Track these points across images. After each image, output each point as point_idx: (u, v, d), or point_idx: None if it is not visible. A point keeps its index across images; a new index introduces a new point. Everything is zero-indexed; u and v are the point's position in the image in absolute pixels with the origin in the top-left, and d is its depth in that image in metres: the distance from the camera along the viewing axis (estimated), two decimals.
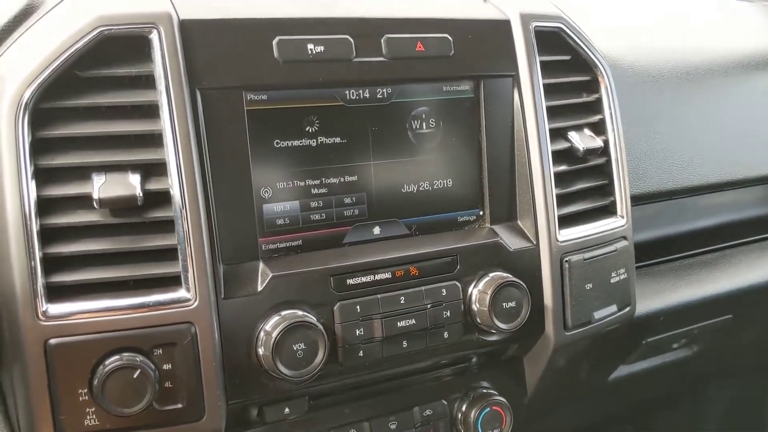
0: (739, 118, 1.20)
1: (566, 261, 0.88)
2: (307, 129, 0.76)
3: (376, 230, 0.81)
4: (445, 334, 0.81)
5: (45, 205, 0.66)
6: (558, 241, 0.87)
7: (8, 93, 0.65)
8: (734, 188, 1.18)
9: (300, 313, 0.72)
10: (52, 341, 0.65)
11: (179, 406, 0.68)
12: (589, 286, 0.90)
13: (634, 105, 1.09)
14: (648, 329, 1.13)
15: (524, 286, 0.82)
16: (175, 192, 0.68)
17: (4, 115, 0.65)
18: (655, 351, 1.24)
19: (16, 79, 0.65)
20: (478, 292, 0.82)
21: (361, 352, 0.76)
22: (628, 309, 0.97)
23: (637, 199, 1.06)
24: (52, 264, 0.66)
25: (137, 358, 0.65)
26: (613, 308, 0.94)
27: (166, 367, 0.67)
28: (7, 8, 0.73)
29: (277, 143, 0.75)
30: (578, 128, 0.94)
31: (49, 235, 0.66)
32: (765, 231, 1.30)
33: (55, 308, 0.65)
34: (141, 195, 0.67)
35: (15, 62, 0.68)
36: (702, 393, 1.44)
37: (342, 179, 0.79)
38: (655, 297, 1.13)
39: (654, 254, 1.19)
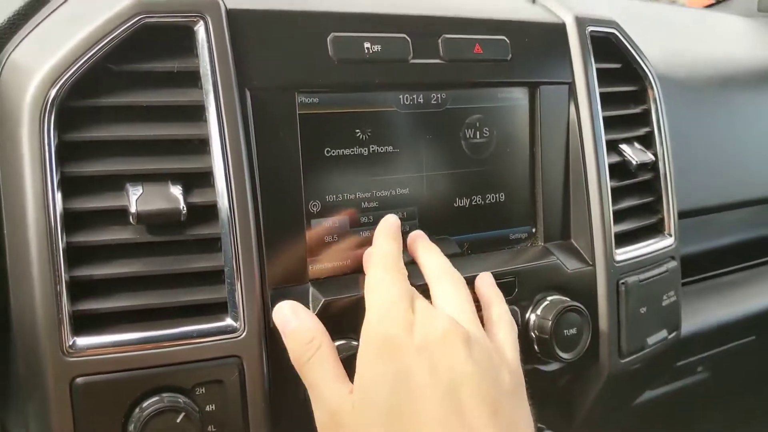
0: None
1: (622, 283, 0.82)
2: (358, 136, 0.69)
3: None
4: None
5: (72, 220, 0.56)
6: (615, 261, 0.81)
7: (31, 89, 0.55)
8: None
9: (355, 343, 0.64)
10: (80, 380, 0.55)
11: None
12: (643, 309, 0.84)
13: (670, 116, 1.04)
14: (679, 352, 1.08)
15: (585, 311, 0.76)
16: (223, 206, 0.59)
17: (27, 115, 0.55)
18: (680, 375, 1.19)
19: (40, 73, 0.56)
20: (537, 317, 0.75)
21: None
22: (675, 333, 0.91)
23: (679, 216, 1.01)
24: (80, 289, 0.56)
25: (180, 399, 0.56)
26: (664, 333, 0.88)
27: (210, 408, 0.58)
28: None
29: (328, 152, 0.67)
30: (628, 141, 0.88)
31: (76, 255, 0.56)
32: None
33: (84, 341, 0.55)
34: (185, 209, 0.58)
35: (36, 53, 0.58)
36: (719, 416, 1.40)
37: (393, 192, 0.71)
38: (687, 319, 1.07)
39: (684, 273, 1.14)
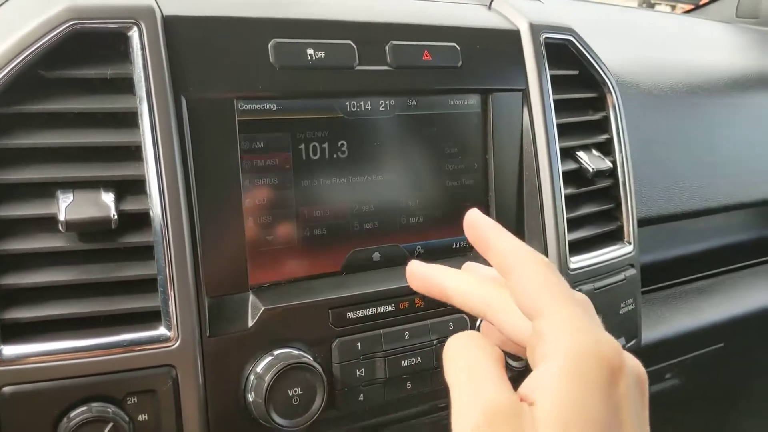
0: (738, 138, 1.16)
1: (577, 291, 0.81)
2: (303, 143, 0.68)
3: (376, 256, 0.73)
4: None
5: (0, 227, 0.55)
6: (569, 269, 0.80)
7: None
8: (733, 211, 1.14)
9: (295, 352, 0.64)
10: (6, 389, 0.54)
11: None
12: (599, 317, 0.83)
13: (633, 124, 1.03)
14: (645, 360, 1.08)
15: None
16: (156, 214, 0.58)
17: None
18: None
19: None
20: (487, 325, 0.74)
21: (362, 395, 0.67)
22: (634, 341, 0.91)
23: (639, 224, 1.00)
24: (7, 297, 0.55)
25: (109, 409, 0.56)
26: (622, 341, 0.88)
27: (142, 418, 0.58)
28: None
29: (270, 158, 0.66)
30: (586, 148, 0.88)
31: (4, 263, 0.55)
32: (756, 255, 1.26)
33: (10, 350, 0.55)
34: (115, 217, 0.57)
35: None
36: (688, 422, 1.40)
37: (340, 199, 0.70)
38: (652, 327, 1.07)
39: (648, 281, 1.13)
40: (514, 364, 0.73)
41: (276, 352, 0.63)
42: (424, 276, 0.53)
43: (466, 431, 0.41)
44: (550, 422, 0.40)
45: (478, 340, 0.47)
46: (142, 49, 0.59)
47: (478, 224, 0.51)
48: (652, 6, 2.95)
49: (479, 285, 0.51)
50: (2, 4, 0.62)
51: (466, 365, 0.45)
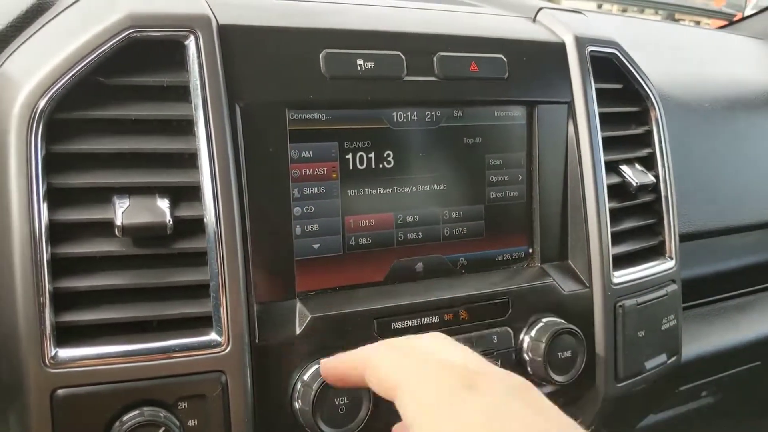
0: None
1: (620, 306, 0.80)
2: (350, 153, 0.68)
3: (419, 267, 0.73)
4: None
5: (58, 232, 0.56)
6: (612, 284, 0.80)
7: (19, 101, 0.56)
8: None
9: None
10: (61, 392, 0.55)
11: None
12: (641, 333, 0.83)
13: (673, 138, 1.03)
14: (682, 377, 1.06)
15: (580, 333, 0.75)
16: (210, 220, 0.59)
17: (14, 127, 0.55)
18: (683, 399, 1.17)
19: (29, 84, 0.56)
20: (531, 339, 0.74)
21: None
22: (675, 358, 0.90)
23: (680, 239, 0.99)
24: (63, 300, 0.56)
25: (161, 414, 0.56)
26: (663, 357, 0.87)
27: (192, 423, 0.58)
28: (16, 1, 0.63)
29: (319, 167, 0.67)
30: (629, 162, 0.87)
31: (61, 267, 0.56)
32: None
33: (66, 353, 0.55)
34: (171, 222, 0.57)
35: (27, 65, 0.59)
36: None
37: (384, 209, 0.71)
38: (689, 343, 1.06)
39: (685, 297, 1.12)
40: (558, 378, 0.73)
41: (323, 361, 0.63)
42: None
43: (436, 394, 0.44)
44: None
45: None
46: (199, 57, 0.59)
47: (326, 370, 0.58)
48: (676, 22, 2.93)
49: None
50: (63, 10, 0.63)
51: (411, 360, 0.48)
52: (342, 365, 0.55)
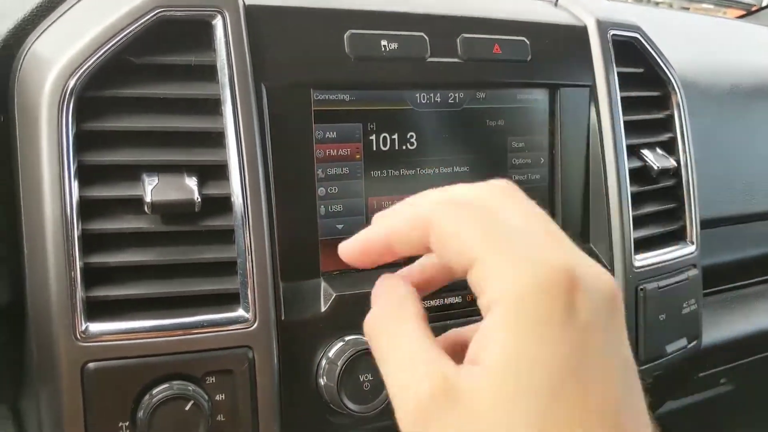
0: None
1: (641, 289, 0.80)
2: (373, 135, 0.69)
3: None
4: None
5: (88, 208, 0.57)
6: (634, 267, 0.80)
7: (50, 79, 0.56)
8: None
9: (365, 338, 0.64)
10: (91, 365, 0.56)
11: None
12: (662, 317, 0.83)
13: (694, 124, 1.02)
14: (701, 363, 1.06)
15: None
16: (237, 198, 0.60)
17: (46, 105, 0.56)
18: (702, 386, 1.16)
19: (60, 63, 0.57)
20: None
21: None
22: (695, 342, 0.90)
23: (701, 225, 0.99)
24: (94, 276, 0.57)
25: (189, 387, 0.57)
26: (684, 341, 0.87)
27: (219, 397, 0.59)
28: None
29: (343, 148, 0.67)
30: (650, 146, 0.87)
31: (91, 243, 0.57)
32: None
33: (96, 327, 0.56)
34: (199, 200, 0.58)
35: (58, 43, 0.59)
36: (742, 427, 1.37)
37: (407, 191, 0.71)
38: (709, 330, 1.06)
39: (705, 283, 1.12)
40: None
41: (347, 338, 0.64)
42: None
43: (409, 425, 0.37)
44: (494, 385, 0.35)
45: (397, 308, 0.43)
46: (226, 37, 0.60)
47: (359, 242, 0.48)
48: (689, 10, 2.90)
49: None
50: None
51: (391, 346, 0.41)
52: (399, 223, 0.44)
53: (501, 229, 0.39)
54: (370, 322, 0.43)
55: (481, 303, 0.38)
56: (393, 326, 0.42)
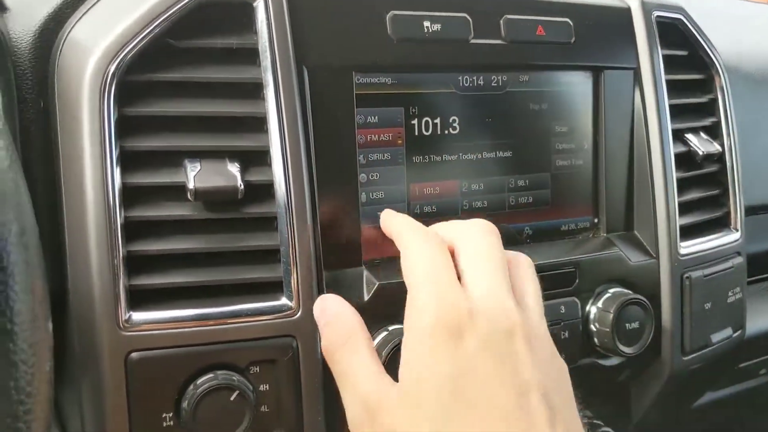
0: None
1: (686, 277, 0.78)
2: (415, 119, 0.67)
3: None
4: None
5: (131, 195, 0.56)
6: (679, 254, 0.78)
7: (91, 64, 0.55)
8: None
9: None
10: (135, 355, 0.55)
11: None
12: (708, 305, 0.81)
13: (738, 110, 1.00)
14: (742, 353, 1.04)
15: (648, 304, 0.73)
16: (279, 185, 0.58)
17: (87, 90, 0.55)
18: (742, 377, 1.14)
19: (100, 48, 0.56)
20: (598, 310, 0.72)
21: None
22: (740, 332, 0.88)
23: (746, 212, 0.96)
24: (137, 264, 0.56)
25: (234, 377, 0.56)
26: (729, 331, 0.85)
27: (263, 388, 0.58)
28: None
29: (385, 133, 0.66)
30: (694, 131, 0.85)
31: (134, 231, 0.56)
32: None
33: (140, 316, 0.55)
34: (242, 187, 0.57)
35: (97, 28, 0.58)
36: None
37: (450, 176, 0.69)
38: (750, 320, 1.03)
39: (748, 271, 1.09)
40: (625, 350, 0.72)
41: (390, 328, 0.62)
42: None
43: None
44: (402, 405, 0.49)
45: (346, 338, 0.54)
46: (267, 19, 0.58)
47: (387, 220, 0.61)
48: None
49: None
50: None
51: (342, 373, 0.53)
52: (391, 230, 0.59)
53: (438, 269, 0.51)
54: (325, 351, 0.55)
55: (404, 325, 0.51)
56: (344, 357, 0.54)
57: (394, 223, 0.58)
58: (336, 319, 0.56)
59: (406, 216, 0.59)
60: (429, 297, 0.50)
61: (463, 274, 0.52)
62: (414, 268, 0.52)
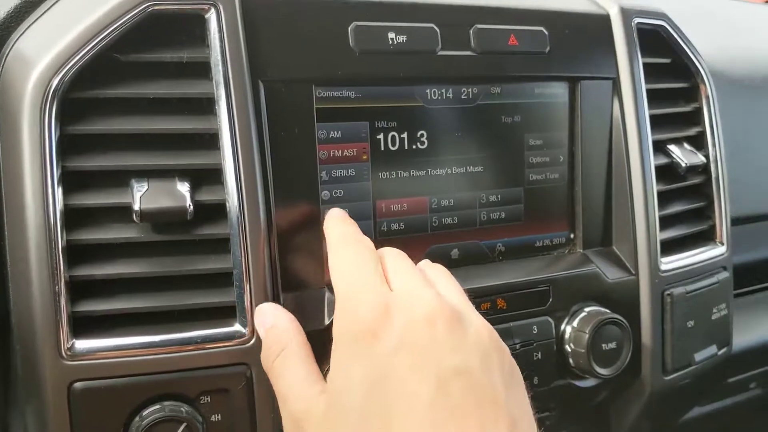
0: None
1: (668, 294, 0.76)
2: (381, 133, 0.64)
3: (455, 253, 0.69)
4: (535, 380, 0.68)
5: (74, 217, 0.53)
6: (660, 271, 0.75)
7: (33, 79, 0.53)
8: None
9: None
10: (78, 385, 0.52)
11: None
12: (690, 323, 0.78)
13: (725, 117, 0.97)
14: (731, 368, 1.01)
15: (626, 324, 0.70)
16: (232, 205, 0.56)
17: (27, 106, 0.52)
18: (731, 391, 1.11)
19: (42, 62, 0.53)
20: (573, 329, 0.69)
21: None
22: (725, 349, 0.85)
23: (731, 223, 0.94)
24: (80, 289, 0.53)
25: (182, 408, 0.53)
26: (713, 349, 0.82)
27: (215, 418, 0.55)
28: None
29: (348, 149, 0.63)
30: (677, 141, 0.82)
31: (77, 254, 0.53)
32: None
33: (83, 344, 0.53)
34: (191, 207, 0.54)
35: (41, 41, 0.56)
36: None
37: (418, 193, 0.67)
38: (738, 333, 1.00)
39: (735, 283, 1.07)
40: (602, 371, 0.69)
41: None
42: None
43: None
44: (327, 409, 0.48)
45: (281, 347, 0.53)
46: (220, 31, 0.56)
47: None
48: None
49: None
50: None
51: (278, 381, 0.53)
52: (325, 233, 0.58)
53: (359, 272, 0.51)
54: (264, 366, 0.54)
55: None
56: (277, 371, 0.53)
57: (327, 227, 0.58)
58: (270, 331, 0.54)
59: (342, 220, 0.58)
60: (347, 301, 0.50)
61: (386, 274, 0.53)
62: (335, 272, 0.53)
